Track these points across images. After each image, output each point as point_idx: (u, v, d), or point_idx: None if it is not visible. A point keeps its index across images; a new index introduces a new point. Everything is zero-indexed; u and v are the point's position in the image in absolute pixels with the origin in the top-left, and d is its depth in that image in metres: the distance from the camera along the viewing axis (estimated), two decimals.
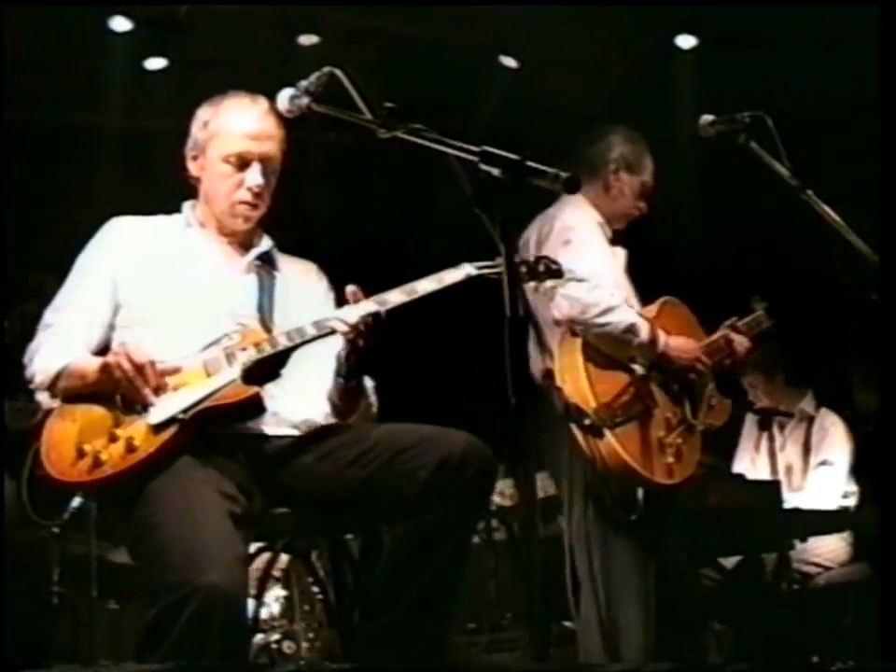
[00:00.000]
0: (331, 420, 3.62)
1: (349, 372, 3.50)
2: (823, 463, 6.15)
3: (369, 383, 3.63)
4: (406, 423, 3.47)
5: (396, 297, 3.40)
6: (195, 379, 3.35)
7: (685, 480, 4.38)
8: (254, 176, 3.60)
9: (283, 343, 3.38)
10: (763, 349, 6.26)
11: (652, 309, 4.54)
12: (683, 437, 4.39)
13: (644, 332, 4.34)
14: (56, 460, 3.27)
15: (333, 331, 3.38)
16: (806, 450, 6.16)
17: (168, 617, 3.00)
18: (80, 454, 3.25)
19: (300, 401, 3.62)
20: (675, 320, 4.50)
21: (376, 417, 3.70)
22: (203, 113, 3.69)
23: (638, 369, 4.37)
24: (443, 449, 3.28)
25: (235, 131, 3.61)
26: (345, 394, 3.56)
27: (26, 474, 3.34)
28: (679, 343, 4.43)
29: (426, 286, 3.43)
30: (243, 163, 3.60)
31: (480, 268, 3.43)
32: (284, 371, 3.50)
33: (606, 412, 4.23)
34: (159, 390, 3.30)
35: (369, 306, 3.37)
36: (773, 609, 5.62)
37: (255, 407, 3.37)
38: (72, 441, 3.28)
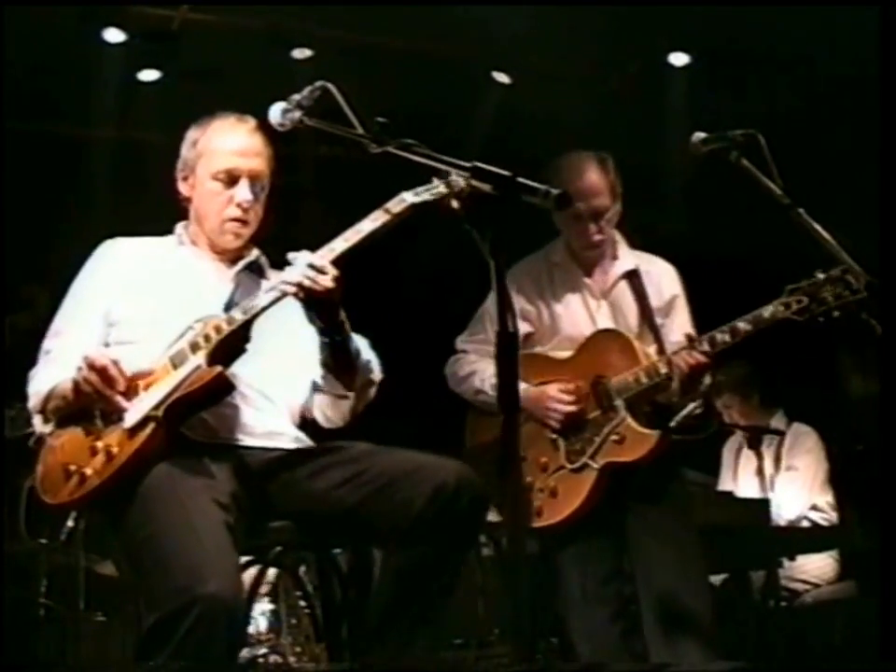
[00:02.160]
0: (340, 392, 3.62)
1: (322, 331, 3.47)
2: (790, 468, 6.22)
3: (361, 341, 3.61)
4: (400, 448, 3.45)
5: (340, 244, 3.35)
6: (164, 376, 3.35)
7: (569, 516, 4.35)
8: (243, 192, 3.61)
9: (239, 317, 3.36)
10: (738, 372, 6.35)
11: (573, 342, 4.54)
12: (563, 478, 4.38)
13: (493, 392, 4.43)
14: (49, 487, 3.33)
15: (282, 297, 3.34)
16: (777, 460, 6.22)
17: (169, 626, 3.00)
18: (67, 475, 3.28)
19: (292, 390, 3.64)
20: (606, 351, 4.47)
21: (380, 375, 3.68)
22: (191, 134, 3.72)
23: None
24: (437, 478, 3.26)
25: (223, 148, 3.63)
26: (332, 352, 3.52)
27: (23, 499, 3.37)
28: (529, 395, 4.44)
29: (368, 225, 3.35)
30: (231, 180, 3.61)
31: (417, 193, 3.32)
32: (272, 376, 3.54)
33: (472, 455, 4.39)
34: (131, 394, 3.31)
35: (307, 259, 3.33)
36: (761, 626, 5.63)
37: (222, 387, 3.33)
38: (59, 466, 3.32)
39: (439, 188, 3.21)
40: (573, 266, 4.67)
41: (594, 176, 4.53)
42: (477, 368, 4.64)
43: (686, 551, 4.41)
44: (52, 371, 3.48)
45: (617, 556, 4.55)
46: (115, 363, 3.29)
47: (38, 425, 3.48)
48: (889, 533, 3.31)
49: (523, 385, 4.50)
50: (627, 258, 4.67)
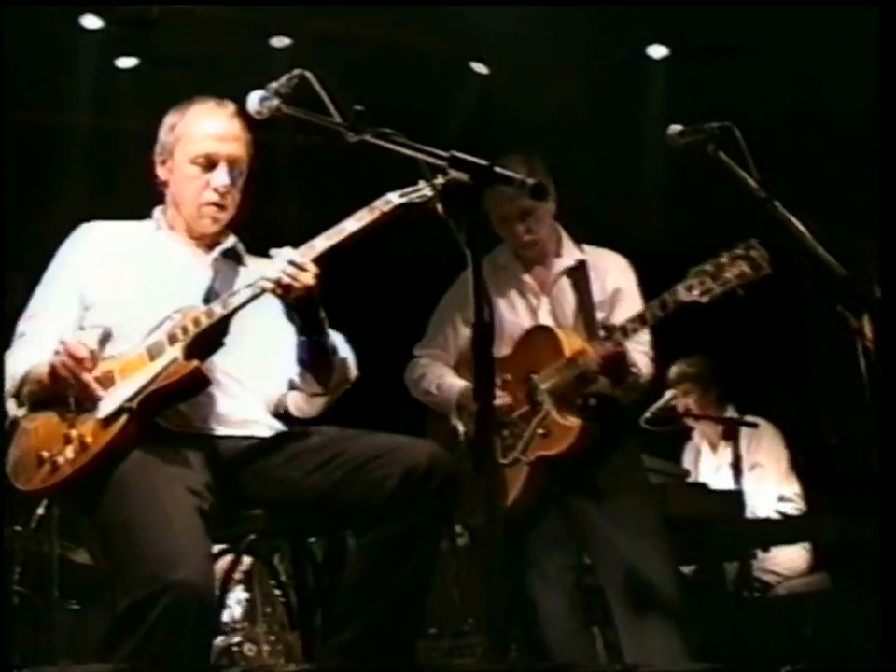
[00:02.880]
0: (316, 389, 3.63)
1: (301, 328, 3.48)
2: (755, 466, 6.26)
3: (338, 338, 3.61)
4: (372, 431, 3.46)
5: (322, 242, 3.36)
6: (140, 366, 3.35)
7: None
8: (220, 177, 3.61)
9: (218, 311, 3.36)
10: (699, 366, 6.41)
11: (514, 341, 4.57)
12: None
13: (438, 392, 4.64)
14: (21, 473, 3.32)
15: (265, 290, 3.34)
16: (737, 458, 6.23)
17: (139, 612, 3.01)
18: (40, 462, 3.28)
19: (268, 382, 3.65)
20: (536, 348, 4.50)
21: (356, 371, 3.68)
22: (170, 118, 3.71)
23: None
24: (409, 459, 3.27)
25: (202, 132, 3.63)
26: (309, 352, 3.53)
27: None
28: (462, 392, 4.56)
29: (351, 224, 3.36)
30: (209, 164, 3.61)
31: (403, 195, 3.34)
32: (247, 363, 3.54)
33: None
34: (106, 383, 3.31)
35: (288, 256, 3.33)
36: (734, 617, 5.66)
37: (199, 382, 3.34)
38: (32, 452, 3.32)
39: (424, 190, 3.23)
40: (517, 266, 4.70)
41: None
42: (426, 371, 4.73)
43: (645, 534, 4.44)
44: (27, 354, 3.47)
45: (576, 547, 4.60)
46: (92, 352, 3.30)
47: (12, 408, 3.46)
48: (888, 534, 3.32)
49: (461, 383, 4.59)
50: (571, 253, 4.69)
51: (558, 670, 4.43)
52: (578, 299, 4.61)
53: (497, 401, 4.38)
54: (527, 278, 4.68)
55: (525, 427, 4.42)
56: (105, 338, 3.39)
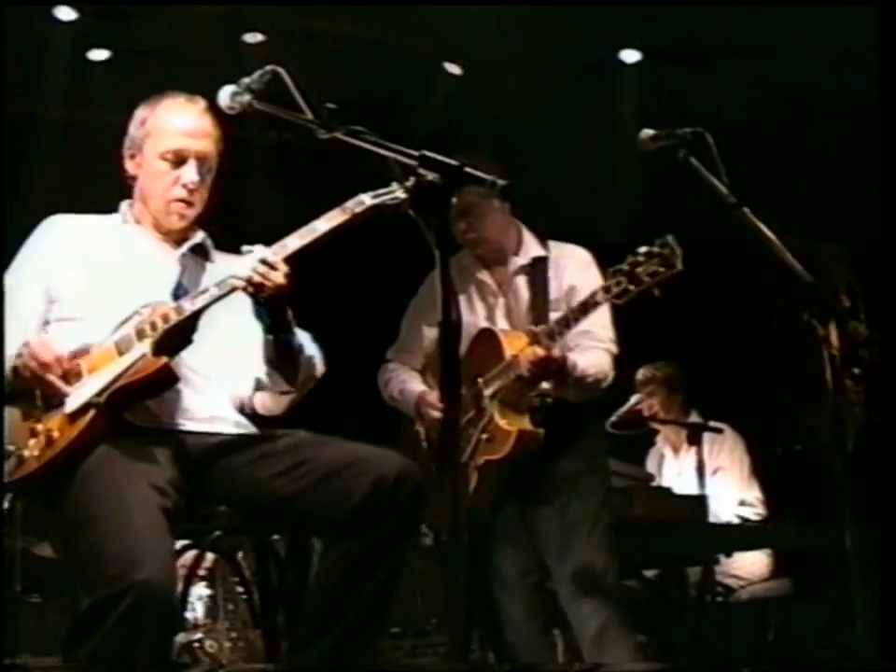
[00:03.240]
0: (283, 387, 3.62)
1: (270, 326, 3.47)
2: (717, 470, 6.30)
3: (304, 336, 3.60)
4: (339, 438, 3.46)
5: (294, 241, 3.36)
6: (108, 361, 3.33)
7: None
8: (189, 173, 3.59)
9: (188, 308, 3.35)
10: (666, 371, 6.45)
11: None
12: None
13: (401, 398, 4.69)
14: None
15: (234, 289, 3.34)
16: (700, 462, 6.26)
17: (101, 610, 2.99)
18: (6, 456, 3.26)
19: (235, 379, 3.63)
20: (482, 351, 4.47)
21: (322, 369, 3.67)
22: (140, 112, 3.69)
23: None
24: (377, 470, 3.27)
25: (172, 128, 3.61)
26: (277, 350, 3.52)
27: None
28: (410, 399, 4.63)
29: (324, 224, 3.36)
30: (179, 160, 3.59)
31: (375, 196, 3.34)
32: (215, 358, 3.52)
33: None
34: (73, 378, 3.30)
35: (260, 254, 3.33)
36: (696, 621, 5.68)
37: (166, 378, 3.33)
38: None
39: (397, 192, 3.22)
40: (477, 266, 4.68)
41: None
42: (392, 375, 4.76)
43: (593, 537, 4.45)
44: None
45: (534, 551, 4.58)
46: (58, 358, 3.29)
47: None
48: (889, 533, 3.35)
49: (419, 389, 4.62)
50: (529, 251, 4.66)
51: (519, 670, 4.45)
52: (532, 297, 4.58)
53: (437, 413, 4.40)
54: (486, 278, 4.66)
55: (473, 431, 4.40)
56: (80, 351, 3.36)
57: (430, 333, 4.62)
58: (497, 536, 4.55)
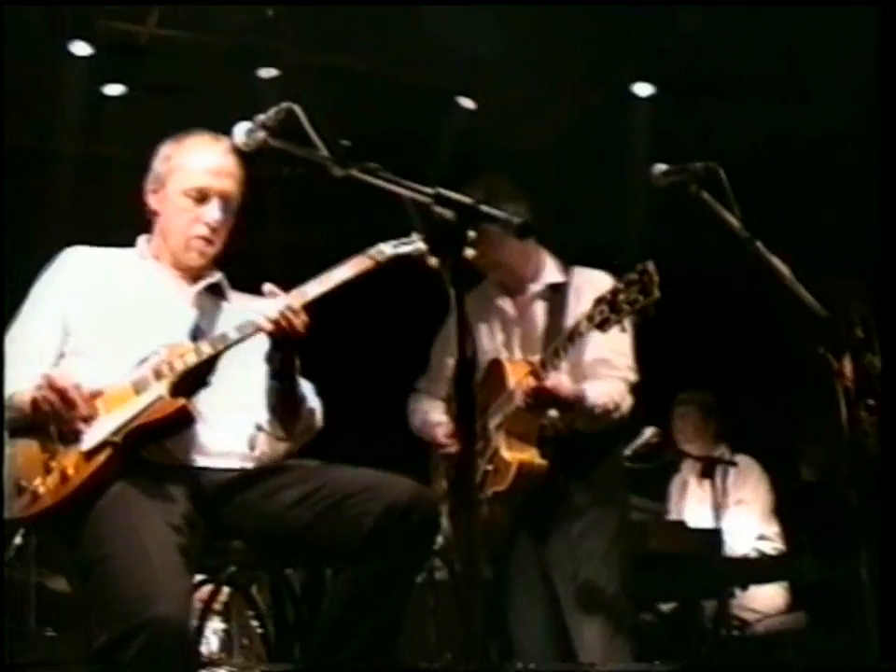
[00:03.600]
0: (277, 432, 3.61)
1: (278, 372, 3.49)
2: (739, 502, 6.27)
3: (307, 386, 3.62)
4: (352, 466, 3.46)
5: (314, 288, 3.39)
6: (124, 400, 3.34)
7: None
8: (212, 212, 3.60)
9: (207, 350, 3.37)
10: (709, 396, 6.43)
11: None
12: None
13: (423, 428, 4.69)
14: None
15: (255, 333, 3.36)
16: (724, 492, 6.25)
17: (118, 647, 2.99)
18: (19, 491, 3.26)
19: (245, 425, 3.62)
20: (490, 381, 4.44)
21: (321, 423, 3.68)
22: (165, 148, 3.70)
23: None
24: (389, 497, 3.27)
25: (197, 166, 3.62)
26: (280, 397, 3.54)
27: None
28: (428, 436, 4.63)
29: (343, 272, 3.40)
30: (202, 198, 3.60)
31: (395, 245, 3.40)
32: (228, 396, 3.51)
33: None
34: (89, 416, 3.29)
35: (285, 300, 3.35)
36: (712, 655, 5.65)
37: (183, 420, 3.35)
38: (11, 480, 3.29)
39: (418, 244, 3.29)
40: (499, 293, 4.65)
41: None
42: (417, 406, 4.77)
43: (599, 566, 4.39)
44: (8, 378, 3.44)
45: (549, 585, 4.51)
46: (76, 386, 3.28)
47: None
48: (889, 533, 3.34)
49: (437, 420, 4.62)
50: (546, 277, 4.61)
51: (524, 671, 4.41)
52: (548, 325, 4.52)
53: (451, 449, 4.44)
54: (507, 305, 4.63)
55: (482, 462, 4.34)
56: (97, 390, 3.36)
57: (453, 363, 4.59)
58: (512, 570, 4.52)
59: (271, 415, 3.59)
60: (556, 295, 4.58)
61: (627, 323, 4.26)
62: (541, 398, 4.23)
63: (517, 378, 4.29)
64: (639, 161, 6.51)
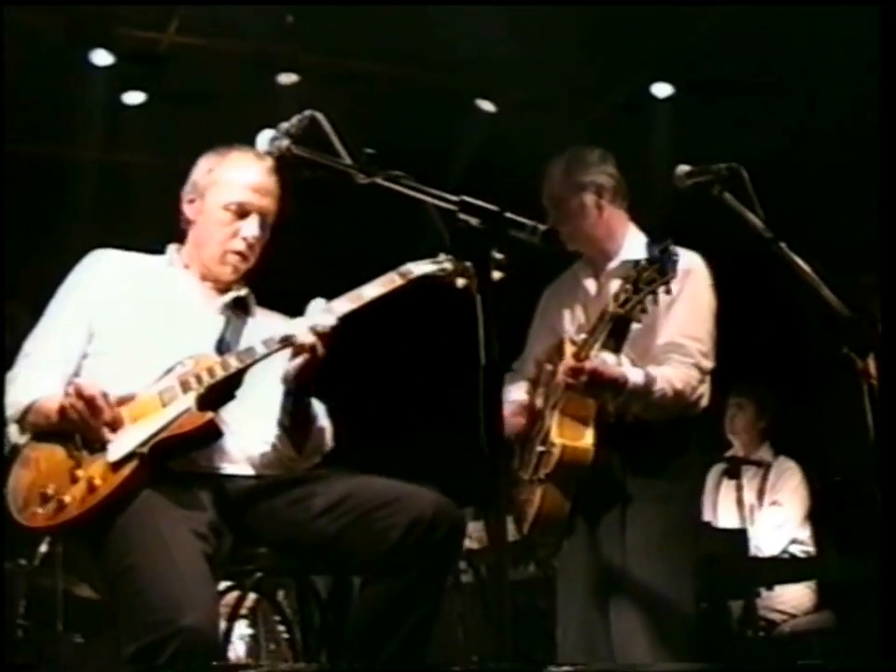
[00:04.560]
0: (286, 449, 3.61)
1: (296, 389, 3.50)
2: (774, 503, 6.26)
3: (319, 407, 3.63)
4: (376, 476, 3.46)
5: (343, 305, 3.42)
6: (151, 410, 3.35)
7: (530, 527, 4.24)
8: (251, 228, 3.63)
9: (234, 365, 3.39)
10: (767, 393, 6.42)
11: None
12: (524, 490, 4.27)
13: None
14: (22, 507, 3.27)
15: (281, 349, 3.39)
16: (761, 493, 6.25)
17: (147, 656, 3.00)
18: (44, 499, 3.25)
19: (264, 432, 3.62)
20: (554, 361, 4.29)
21: (330, 443, 3.69)
22: (207, 160, 3.72)
23: None
24: (414, 509, 3.28)
25: (240, 181, 3.65)
26: (294, 415, 3.55)
27: None
28: None
29: (371, 291, 3.45)
30: (242, 213, 3.63)
31: (424, 265, 3.46)
32: (253, 405, 3.51)
33: None
34: (116, 425, 3.30)
35: (318, 315, 3.38)
36: (739, 656, 5.64)
37: (211, 433, 3.35)
38: (36, 487, 3.28)
39: (445, 264, 3.35)
40: (586, 272, 4.56)
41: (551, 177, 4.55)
42: (506, 386, 4.51)
43: (644, 562, 4.28)
44: (33, 380, 3.45)
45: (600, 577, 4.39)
46: (104, 395, 3.28)
47: (14, 435, 3.42)
48: (889, 533, 3.33)
49: (511, 398, 4.47)
50: (630, 251, 4.41)
51: (523, 670, 4.38)
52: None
53: (510, 424, 4.32)
54: (589, 284, 4.53)
55: (536, 443, 4.26)
56: (123, 398, 3.37)
57: (540, 342, 4.55)
58: (564, 557, 4.45)
59: (280, 432, 3.60)
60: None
61: (708, 306, 4.35)
62: (582, 378, 4.11)
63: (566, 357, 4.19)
64: (659, 162, 6.51)
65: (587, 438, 4.17)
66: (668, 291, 3.96)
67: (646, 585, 4.28)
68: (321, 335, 3.36)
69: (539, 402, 4.38)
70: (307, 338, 3.36)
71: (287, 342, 3.37)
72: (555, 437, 4.17)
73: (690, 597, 4.40)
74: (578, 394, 4.17)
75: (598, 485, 4.23)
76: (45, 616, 5.45)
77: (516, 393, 4.55)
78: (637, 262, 3.96)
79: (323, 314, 3.39)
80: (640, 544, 4.30)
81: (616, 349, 4.17)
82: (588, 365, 4.10)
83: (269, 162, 3.60)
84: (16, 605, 5.39)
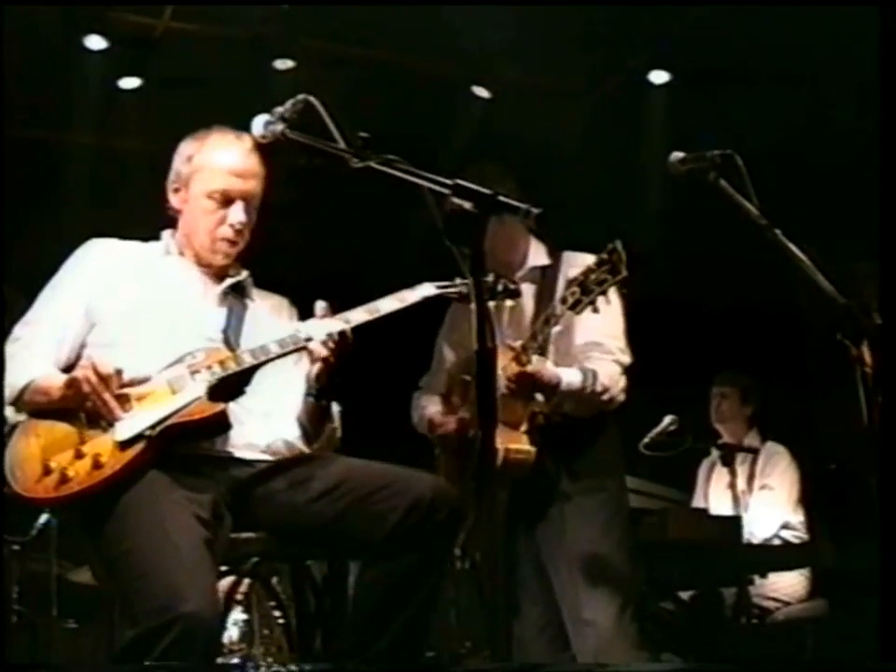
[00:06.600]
0: (299, 443, 3.62)
1: (319, 391, 3.52)
2: (764, 487, 6.28)
3: (335, 407, 3.64)
4: (374, 460, 3.47)
5: (359, 315, 3.44)
6: (160, 396, 3.35)
7: None
8: (237, 214, 3.61)
9: (248, 360, 3.39)
10: (750, 380, 6.44)
11: None
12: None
13: (420, 422, 4.71)
14: (21, 477, 3.24)
15: (295, 351, 3.41)
16: (751, 478, 6.26)
17: (147, 642, 2.98)
18: (46, 470, 3.23)
19: (269, 424, 3.62)
20: None
21: (339, 443, 3.70)
22: (186, 147, 3.69)
23: None
24: (414, 492, 3.28)
25: (220, 167, 3.61)
26: (314, 415, 3.57)
27: None
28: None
29: (388, 305, 3.49)
30: (226, 200, 3.60)
31: (439, 287, 3.51)
32: (256, 394, 3.51)
33: None
34: (125, 406, 3.30)
35: (334, 323, 3.40)
36: (732, 643, 5.65)
37: (221, 424, 3.37)
38: (37, 458, 3.26)
39: (461, 289, 3.43)
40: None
41: None
42: (416, 403, 4.77)
43: (589, 557, 4.35)
44: (26, 361, 3.44)
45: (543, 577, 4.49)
46: (119, 373, 3.29)
47: (10, 415, 3.40)
48: (889, 533, 3.33)
49: (431, 412, 4.63)
50: (533, 260, 4.58)
51: (523, 669, 4.39)
52: (536, 309, 4.46)
53: (448, 430, 4.43)
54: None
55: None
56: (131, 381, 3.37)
57: (451, 355, 4.66)
58: (508, 559, 4.46)
59: (299, 428, 3.62)
60: (544, 279, 4.54)
61: (617, 305, 4.34)
62: (524, 383, 4.18)
63: (502, 364, 4.19)
64: (655, 148, 6.51)
65: (524, 440, 4.24)
66: (623, 290, 3.98)
67: (596, 574, 4.34)
68: (335, 345, 3.39)
69: (463, 413, 4.45)
70: (321, 350, 3.39)
71: (300, 345, 3.40)
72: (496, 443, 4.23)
73: (634, 582, 4.54)
74: (516, 399, 4.23)
75: (535, 486, 4.31)
76: (38, 601, 5.45)
77: (433, 407, 4.67)
78: (587, 265, 3.95)
79: (338, 322, 3.42)
80: (584, 537, 4.37)
81: (543, 351, 4.25)
82: (531, 369, 4.17)
83: (249, 143, 3.58)
84: (9, 590, 5.39)
